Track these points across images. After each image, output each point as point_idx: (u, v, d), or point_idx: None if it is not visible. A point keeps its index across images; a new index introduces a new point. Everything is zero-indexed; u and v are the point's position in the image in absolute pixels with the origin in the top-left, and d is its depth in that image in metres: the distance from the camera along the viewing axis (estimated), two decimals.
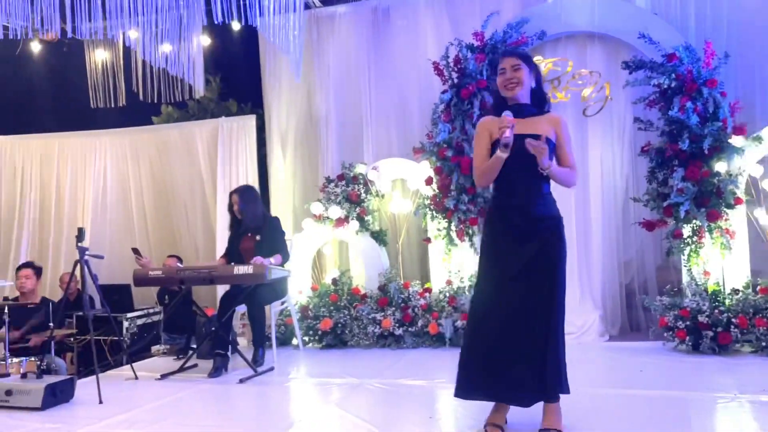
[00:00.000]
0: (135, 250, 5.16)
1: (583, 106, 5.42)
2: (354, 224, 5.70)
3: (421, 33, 6.10)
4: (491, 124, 2.97)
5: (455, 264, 5.41)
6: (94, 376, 4.03)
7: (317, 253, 6.00)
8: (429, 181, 5.41)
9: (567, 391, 2.96)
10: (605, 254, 5.37)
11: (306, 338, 5.45)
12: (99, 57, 7.43)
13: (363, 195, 5.77)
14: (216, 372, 4.50)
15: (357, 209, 5.73)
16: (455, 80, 5.36)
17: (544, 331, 2.86)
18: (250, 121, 6.70)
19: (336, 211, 5.65)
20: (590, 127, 5.44)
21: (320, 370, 4.68)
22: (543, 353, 2.86)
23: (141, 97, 7.23)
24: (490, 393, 2.93)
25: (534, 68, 3.04)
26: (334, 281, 5.60)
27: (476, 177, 3.06)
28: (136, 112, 7.58)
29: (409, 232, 5.90)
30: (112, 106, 7.55)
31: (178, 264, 6.26)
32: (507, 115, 2.86)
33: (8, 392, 3.80)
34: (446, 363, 4.66)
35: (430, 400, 3.78)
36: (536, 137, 2.86)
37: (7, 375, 4.25)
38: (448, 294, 5.25)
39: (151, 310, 6.02)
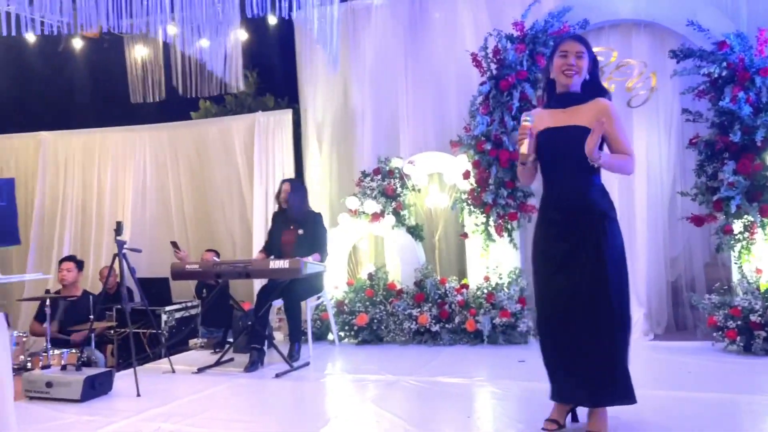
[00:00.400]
0: (173, 244, 5.20)
1: (628, 97, 5.24)
2: (390, 219, 5.63)
3: (458, 24, 5.98)
4: (534, 118, 2.88)
5: (493, 260, 5.30)
6: (132, 369, 4.05)
7: (353, 247, 5.95)
8: (466, 175, 5.30)
9: (629, 398, 2.79)
10: (650, 250, 5.19)
11: (341, 333, 5.41)
12: (138, 53, 7.53)
13: (399, 189, 5.69)
14: (252, 366, 4.49)
15: (393, 204, 5.66)
16: (494, 71, 5.23)
17: (593, 331, 2.73)
18: (287, 115, 6.68)
19: (372, 206, 5.59)
20: (635, 119, 5.25)
21: (356, 366, 4.63)
22: (593, 354, 2.73)
23: (180, 91, 7.32)
24: (554, 390, 2.88)
25: (594, 59, 2.92)
26: (370, 276, 5.55)
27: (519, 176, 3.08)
28: (175, 108, 7.65)
29: (446, 227, 5.80)
30: (152, 101, 7.67)
31: (215, 258, 6.30)
32: (525, 120, 2.76)
33: (49, 384, 3.85)
34: (484, 361, 4.58)
35: (468, 399, 3.69)
36: (578, 129, 2.75)
37: (48, 367, 4.30)
38: (486, 290, 5.14)
39: (189, 304, 6.07)
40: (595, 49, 5.17)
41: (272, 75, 7.93)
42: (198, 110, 7.92)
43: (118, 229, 4.28)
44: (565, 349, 2.79)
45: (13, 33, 5.79)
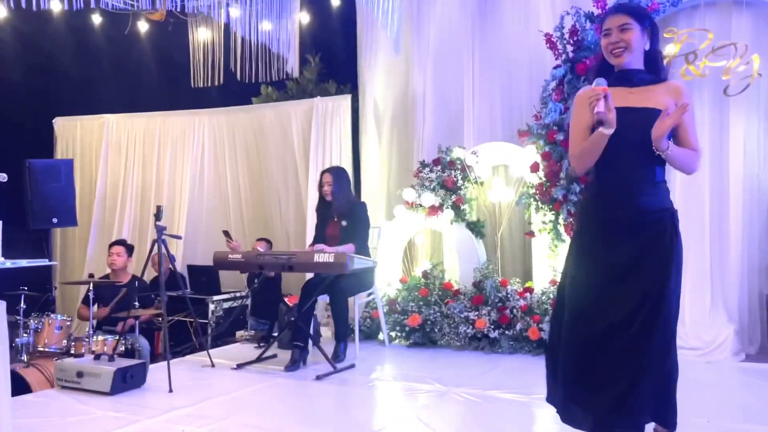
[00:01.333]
0: (226, 233, 4.99)
1: (724, 84, 4.60)
2: (449, 213, 5.22)
3: (531, 2, 5.47)
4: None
5: (562, 262, 4.81)
6: (174, 359, 3.84)
7: (408, 243, 5.57)
8: (535, 168, 4.83)
9: (671, 425, 2.39)
10: (744, 258, 4.56)
11: (392, 334, 5.06)
12: (202, 36, 7.40)
13: (460, 182, 5.27)
14: (293, 365, 4.21)
15: (453, 197, 5.24)
16: (570, 54, 4.73)
17: (643, 346, 2.27)
18: (345, 101, 6.35)
19: (430, 198, 5.20)
20: (732, 109, 4.62)
21: (405, 371, 4.27)
22: (641, 372, 2.27)
23: (239, 77, 7.15)
24: (588, 412, 2.39)
25: (648, 25, 2.41)
26: (425, 274, 5.15)
27: (572, 159, 2.49)
28: (236, 93, 7.52)
29: (509, 225, 5.34)
30: (212, 85, 7.54)
31: (260, 248, 6.08)
32: (598, 83, 2.28)
33: (79, 374, 3.68)
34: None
35: (528, 418, 3.27)
36: (650, 113, 2.29)
37: (81, 355, 4.14)
38: (552, 295, 4.66)
39: (237, 294, 5.87)
40: (687, 30, 4.68)
41: (335, 60, 7.66)
42: (259, 96, 7.75)
43: (158, 214, 4.08)
44: (607, 368, 2.31)
45: (81, 6, 5.72)
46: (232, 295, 5.80)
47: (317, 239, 4.64)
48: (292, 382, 4.00)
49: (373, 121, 6.20)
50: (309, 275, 4.71)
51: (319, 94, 7.02)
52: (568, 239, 4.74)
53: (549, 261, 4.89)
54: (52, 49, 7.92)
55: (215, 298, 5.59)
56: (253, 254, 4.24)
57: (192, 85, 7.51)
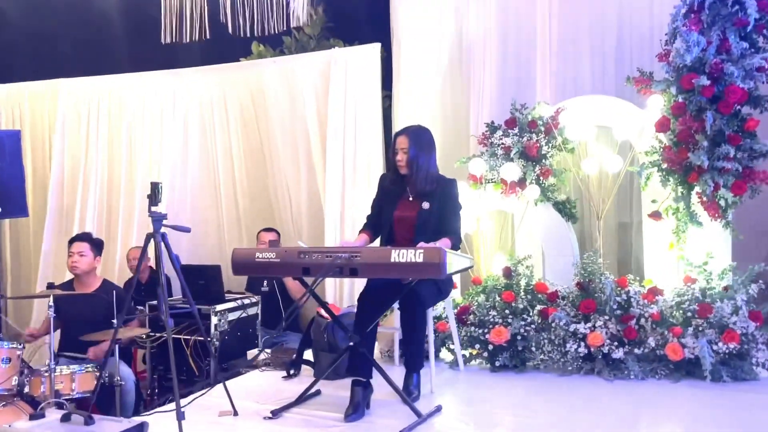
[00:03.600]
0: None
1: None
2: (533, 190, 3.96)
3: None
4: None
5: (691, 251, 3.61)
6: (170, 408, 2.51)
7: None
8: (663, 125, 3.59)
9: None
10: None
11: (464, 352, 3.78)
12: None
13: (545, 148, 4.01)
14: (355, 412, 2.89)
15: (536, 169, 3.99)
16: None
17: None
18: (374, 50, 5.00)
19: (512, 171, 3.92)
20: None
21: (512, 413, 3.00)
22: None
23: (230, 29, 5.74)
24: None
25: None
26: (508, 272, 3.87)
27: None
28: (222, 51, 6.14)
29: (616, 205, 4.09)
30: (192, 40, 6.12)
31: (278, 242, 4.74)
32: None
33: None
34: (715, 412, 2.91)
35: None
36: None
37: (41, 415, 2.73)
38: (692, 297, 3.45)
39: (246, 300, 4.51)
40: None
41: (342, 12, 6.30)
42: (250, 56, 6.34)
43: (154, 195, 2.71)
44: None
45: None
46: (240, 302, 4.43)
47: (377, 224, 3.32)
48: None
49: (410, 75, 4.87)
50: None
51: None
52: (707, 221, 3.54)
53: (672, 251, 3.68)
54: None
55: (218, 308, 4.22)
56: (294, 252, 2.87)
57: (163, 41, 6.09)
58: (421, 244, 2.85)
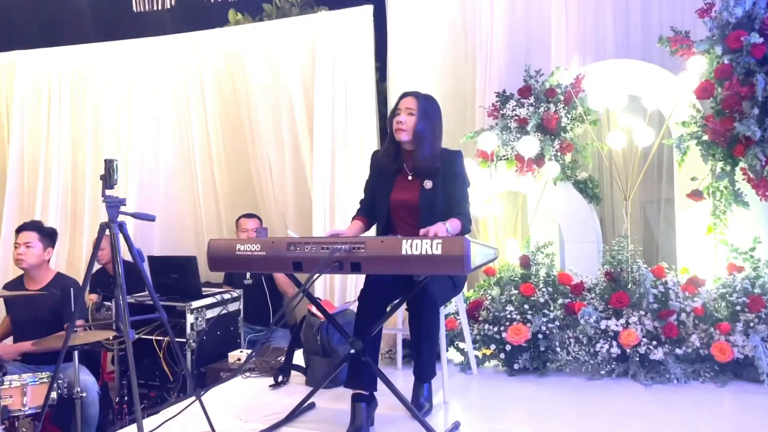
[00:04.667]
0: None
1: None
2: (553, 167, 3.49)
3: None
4: None
5: (735, 236, 3.18)
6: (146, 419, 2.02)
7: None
8: (707, 90, 3.12)
9: None
10: None
11: (476, 353, 3.33)
12: None
13: (564, 120, 3.54)
14: None
15: (556, 144, 3.52)
16: None
17: None
18: (366, 13, 4.47)
19: (531, 145, 3.45)
20: None
21: (536, 428, 2.56)
22: None
23: None
24: None
25: None
26: (526, 261, 3.41)
27: None
28: (196, 20, 5.65)
29: (641, 183, 3.63)
30: (163, 8, 5.59)
31: (262, 231, 4.23)
32: None
33: None
34: None
35: None
36: None
37: None
38: (739, 289, 3.02)
39: (227, 295, 4.01)
40: None
41: None
42: (227, 24, 5.79)
43: (108, 176, 2.20)
44: None
45: None
46: (219, 297, 3.93)
47: (372, 208, 2.83)
48: None
49: (406, 38, 4.35)
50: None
51: None
52: (754, 201, 3.10)
53: (709, 237, 3.24)
54: None
55: (195, 305, 3.72)
56: (283, 243, 2.37)
57: (134, 9, 5.54)
58: (436, 227, 2.38)
